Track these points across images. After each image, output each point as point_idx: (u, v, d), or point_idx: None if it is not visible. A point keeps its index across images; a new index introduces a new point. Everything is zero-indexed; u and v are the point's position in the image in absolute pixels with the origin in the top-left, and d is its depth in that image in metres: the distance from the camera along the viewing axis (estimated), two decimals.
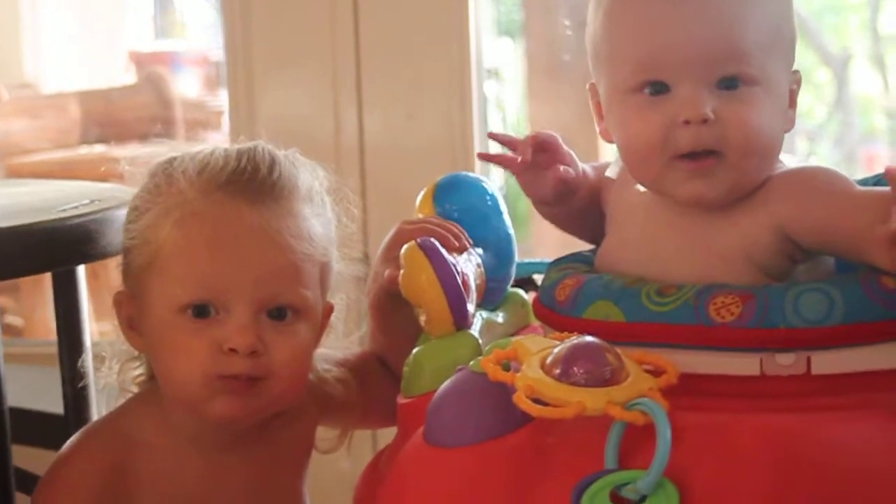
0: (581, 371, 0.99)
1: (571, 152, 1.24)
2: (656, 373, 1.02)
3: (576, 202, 1.23)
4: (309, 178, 1.28)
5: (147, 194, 1.26)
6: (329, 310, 1.31)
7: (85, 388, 1.47)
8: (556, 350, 1.01)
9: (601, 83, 1.16)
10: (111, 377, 1.33)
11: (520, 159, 1.20)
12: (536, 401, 0.98)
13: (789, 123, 1.14)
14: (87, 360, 1.47)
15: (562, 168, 1.21)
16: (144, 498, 1.27)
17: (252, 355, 1.20)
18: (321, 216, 1.28)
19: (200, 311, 1.21)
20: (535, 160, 1.21)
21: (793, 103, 1.15)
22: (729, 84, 1.09)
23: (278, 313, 1.22)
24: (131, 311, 1.27)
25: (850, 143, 2.81)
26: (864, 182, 1.19)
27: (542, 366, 1.01)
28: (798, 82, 1.16)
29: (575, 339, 1.02)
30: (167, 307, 1.22)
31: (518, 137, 1.22)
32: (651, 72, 1.10)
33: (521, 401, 0.98)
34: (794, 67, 1.16)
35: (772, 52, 1.11)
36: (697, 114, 1.08)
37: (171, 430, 1.27)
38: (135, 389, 1.32)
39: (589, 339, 1.02)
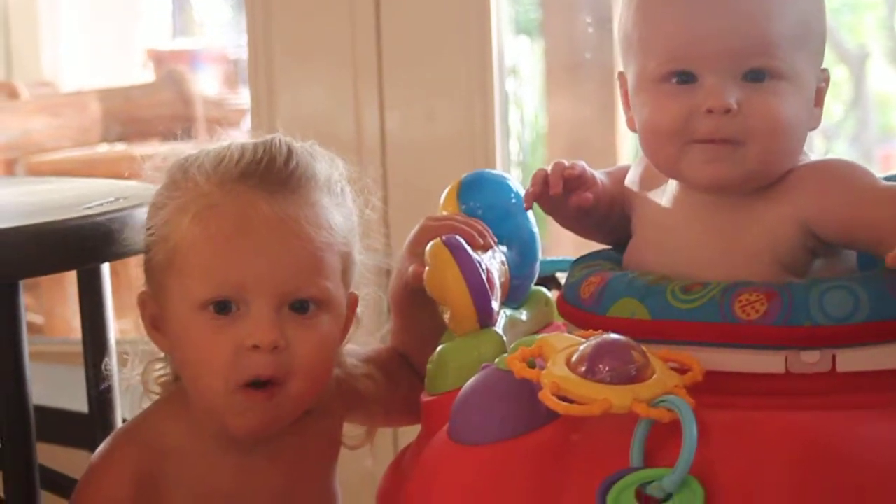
0: (607, 368, 0.99)
1: (595, 173, 1.23)
2: (681, 370, 1.02)
3: (595, 214, 1.23)
4: (327, 168, 1.27)
5: (165, 190, 1.25)
6: (354, 301, 1.30)
7: (109, 387, 1.48)
8: (581, 347, 1.01)
9: (630, 72, 1.16)
10: (134, 378, 1.32)
11: (551, 191, 1.20)
12: (562, 398, 0.98)
13: (815, 121, 1.14)
14: (112, 359, 1.47)
15: (582, 195, 1.20)
16: (177, 502, 1.26)
17: (274, 351, 1.19)
18: (341, 206, 1.26)
19: (221, 307, 1.19)
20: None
21: (819, 102, 1.15)
22: (755, 76, 1.10)
23: (300, 306, 1.21)
24: (155, 311, 1.26)
25: (867, 142, 2.80)
26: (887, 179, 1.19)
27: (568, 363, 1.01)
28: (826, 80, 1.16)
29: (600, 337, 1.02)
30: (188, 305, 1.21)
31: (545, 172, 1.21)
32: (678, 62, 1.11)
33: (547, 398, 0.98)
34: (823, 66, 1.16)
35: (801, 48, 1.11)
36: (721, 104, 1.09)
37: (198, 433, 1.26)
38: (157, 390, 1.32)
39: (614, 336, 1.02)
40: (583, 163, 1.22)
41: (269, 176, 1.22)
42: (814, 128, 1.14)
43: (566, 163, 1.21)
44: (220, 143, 1.27)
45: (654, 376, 1.00)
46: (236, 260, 1.19)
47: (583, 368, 1.00)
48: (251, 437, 1.24)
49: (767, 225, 1.11)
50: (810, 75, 1.13)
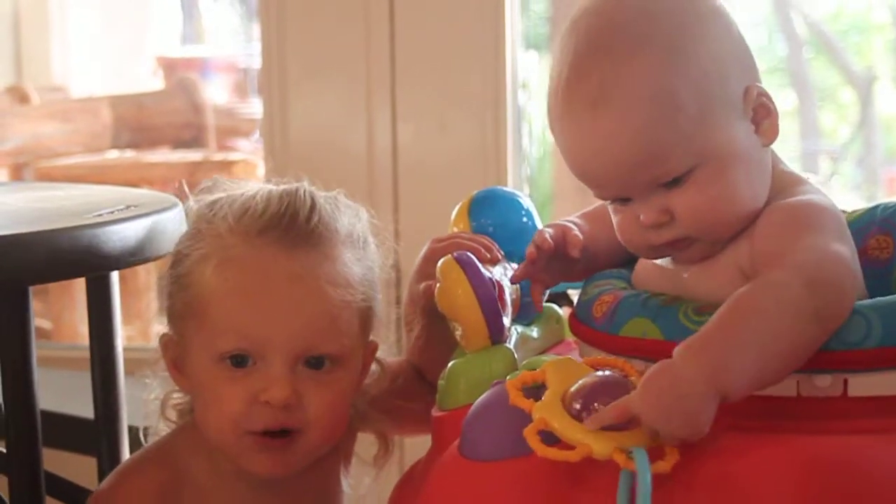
0: (601, 409, 0.99)
1: (568, 224, 1.23)
2: None
3: (597, 256, 1.23)
4: (349, 220, 1.28)
5: (188, 239, 1.27)
6: (374, 349, 1.31)
7: (116, 394, 1.48)
8: (581, 381, 1.01)
9: None
10: (152, 403, 1.34)
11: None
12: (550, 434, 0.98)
13: (766, 137, 1.11)
14: (119, 365, 1.48)
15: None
16: None
17: (285, 408, 1.21)
18: (362, 260, 1.27)
19: (238, 360, 1.21)
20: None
21: (765, 114, 1.11)
22: (670, 184, 1.09)
23: (315, 363, 1.23)
24: (176, 354, 1.28)
25: (873, 164, 2.81)
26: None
27: (564, 396, 1.01)
28: (762, 95, 1.11)
29: (604, 374, 1.02)
30: (206, 355, 1.23)
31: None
32: (602, 190, 1.12)
33: (531, 436, 0.98)
34: (756, 82, 1.12)
35: (702, 128, 1.08)
36: (650, 223, 1.09)
37: (216, 467, 1.28)
38: (174, 416, 1.34)
39: (618, 377, 1.02)
40: (548, 232, 1.21)
41: (292, 230, 1.23)
42: (768, 143, 1.12)
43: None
44: (244, 188, 1.28)
45: None
46: (255, 315, 1.21)
47: (577, 405, 0.99)
48: (267, 478, 1.26)
49: (731, 259, 1.11)
50: (724, 130, 1.09)
